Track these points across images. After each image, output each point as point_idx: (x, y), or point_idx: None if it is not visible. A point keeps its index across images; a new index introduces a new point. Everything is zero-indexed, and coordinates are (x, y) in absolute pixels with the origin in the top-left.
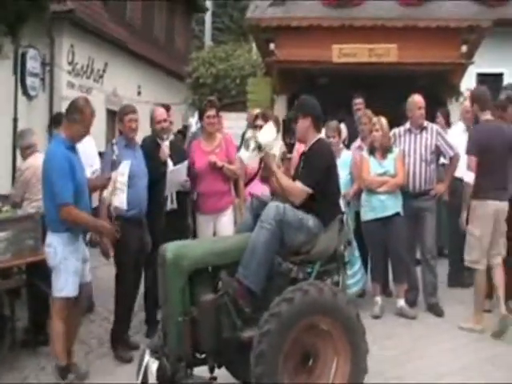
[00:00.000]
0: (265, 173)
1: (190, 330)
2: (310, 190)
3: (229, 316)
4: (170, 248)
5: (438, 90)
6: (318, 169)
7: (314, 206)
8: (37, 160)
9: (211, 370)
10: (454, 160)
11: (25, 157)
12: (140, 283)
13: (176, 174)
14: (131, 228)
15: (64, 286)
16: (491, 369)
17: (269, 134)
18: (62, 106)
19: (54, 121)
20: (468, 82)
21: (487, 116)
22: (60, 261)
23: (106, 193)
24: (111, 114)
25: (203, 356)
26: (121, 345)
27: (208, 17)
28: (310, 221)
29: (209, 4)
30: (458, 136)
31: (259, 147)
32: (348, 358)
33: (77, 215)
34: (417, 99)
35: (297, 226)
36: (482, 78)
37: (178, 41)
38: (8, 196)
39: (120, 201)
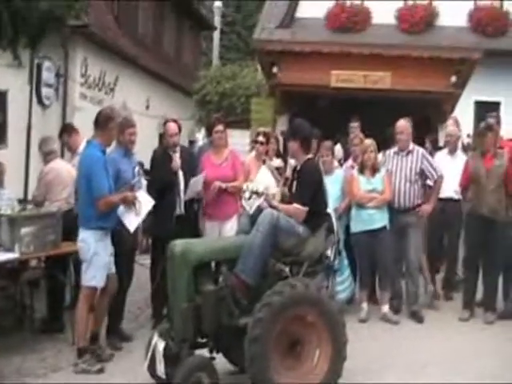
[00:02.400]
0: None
1: (194, 316)
2: (307, 208)
3: (227, 305)
4: (178, 244)
5: (430, 116)
6: (309, 188)
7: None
8: (57, 164)
9: (211, 352)
10: (437, 182)
11: (46, 161)
12: (132, 278)
13: (195, 184)
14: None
15: (93, 277)
16: (467, 359)
17: (263, 178)
18: (75, 116)
19: (64, 130)
20: (466, 110)
21: None
22: (92, 255)
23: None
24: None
25: (204, 340)
26: (115, 335)
27: (216, 34)
28: (300, 227)
29: (217, 21)
30: (442, 159)
31: (257, 193)
32: (329, 347)
33: (111, 201)
34: (400, 124)
35: (288, 231)
36: (480, 105)
37: (186, 57)
38: (32, 197)
39: (131, 223)
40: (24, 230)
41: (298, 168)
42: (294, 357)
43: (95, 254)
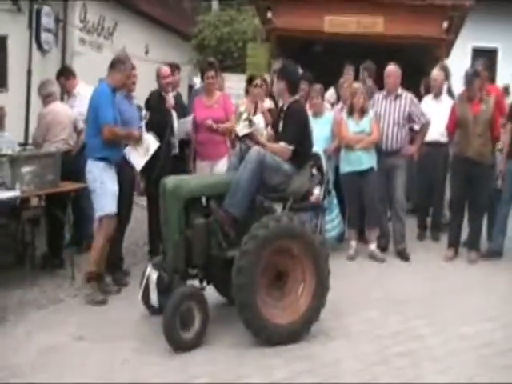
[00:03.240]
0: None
1: (184, 247)
2: (292, 147)
3: (216, 238)
4: (170, 180)
5: (423, 61)
6: (296, 127)
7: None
8: (56, 106)
9: (201, 282)
10: (424, 126)
11: (46, 103)
12: (130, 217)
13: (183, 124)
14: (127, 169)
15: (104, 205)
16: (448, 295)
17: (259, 120)
18: (74, 61)
19: (61, 73)
20: (463, 57)
21: None
22: (99, 185)
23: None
24: None
25: (195, 272)
26: (118, 271)
27: None
28: (286, 165)
29: None
30: (428, 104)
31: (250, 121)
32: (313, 278)
33: (116, 130)
34: (388, 69)
35: (274, 168)
36: (477, 52)
37: (186, 2)
38: (31, 138)
39: (138, 163)
40: (24, 169)
41: (285, 108)
42: (279, 288)
43: (102, 183)
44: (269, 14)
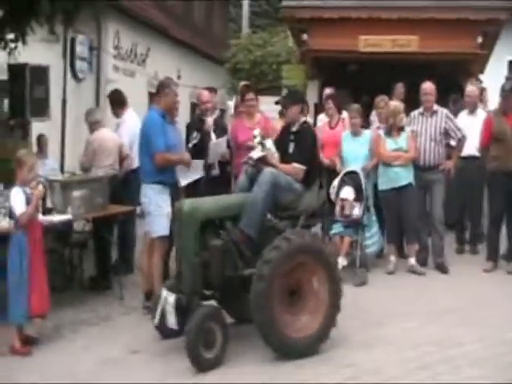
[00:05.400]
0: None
1: (202, 269)
2: (305, 167)
3: (232, 258)
4: (186, 203)
5: (458, 77)
6: (307, 148)
7: None
8: (102, 133)
9: (218, 303)
10: (461, 141)
11: (92, 130)
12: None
13: (218, 145)
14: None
15: (160, 227)
16: (486, 306)
17: (270, 143)
18: (108, 88)
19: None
20: (499, 70)
21: None
22: (155, 207)
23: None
24: (152, 96)
25: (209, 292)
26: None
27: (245, 1)
28: (297, 184)
29: None
30: (463, 119)
31: (262, 144)
32: (326, 286)
33: (168, 157)
34: (425, 86)
35: (286, 187)
36: None
37: (216, 26)
38: (79, 164)
39: (183, 179)
40: (75, 194)
41: (295, 130)
42: (295, 302)
43: (157, 206)
44: (304, 36)
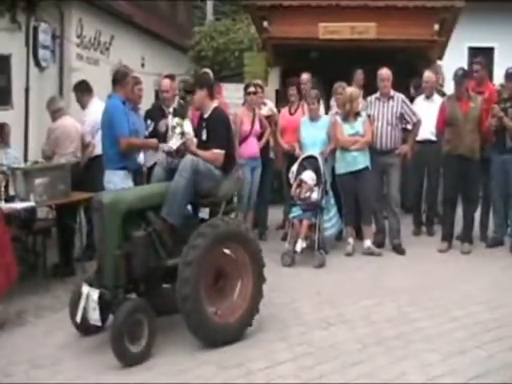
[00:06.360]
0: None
1: (124, 262)
2: (223, 151)
3: (155, 249)
4: (105, 195)
5: (416, 63)
6: (223, 132)
7: None
8: (65, 121)
9: (139, 295)
10: (416, 125)
11: (54, 119)
12: None
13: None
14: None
15: None
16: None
17: (189, 127)
18: (72, 77)
19: (77, 86)
20: (459, 56)
21: None
22: None
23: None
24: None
25: (132, 285)
26: None
27: None
28: (216, 170)
29: None
30: (420, 104)
31: (182, 134)
32: (251, 272)
33: (132, 141)
34: (381, 72)
35: (206, 174)
36: (474, 51)
37: (180, 13)
38: (41, 152)
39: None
40: (37, 181)
41: (207, 116)
42: (220, 289)
43: None
44: (264, 24)
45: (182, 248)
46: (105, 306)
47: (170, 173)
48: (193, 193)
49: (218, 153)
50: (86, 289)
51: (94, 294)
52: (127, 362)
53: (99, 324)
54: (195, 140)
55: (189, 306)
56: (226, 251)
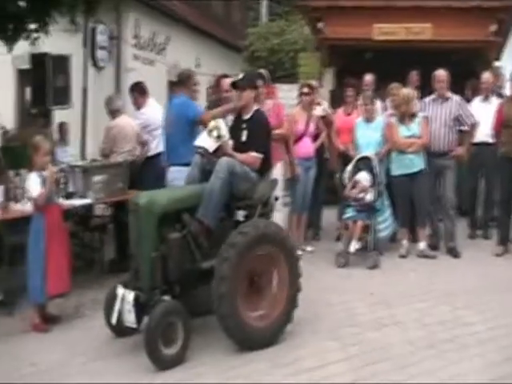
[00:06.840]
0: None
1: (160, 264)
2: (261, 156)
3: (191, 251)
4: (142, 196)
5: (473, 64)
6: (263, 136)
7: None
8: (122, 120)
9: (174, 297)
10: (472, 127)
11: (113, 117)
12: None
13: None
14: None
15: None
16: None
17: (225, 128)
18: (128, 77)
19: (134, 87)
20: None
21: None
22: None
23: None
24: (172, 85)
25: (166, 287)
26: None
27: None
28: (252, 173)
29: None
30: (477, 105)
31: (219, 137)
32: (287, 277)
33: (213, 112)
34: (437, 74)
35: (243, 176)
36: None
37: (234, 15)
38: (99, 150)
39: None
40: (95, 179)
41: (248, 117)
42: (255, 292)
43: None
44: (319, 25)
45: (217, 250)
46: (140, 308)
47: (205, 174)
48: (228, 195)
49: (256, 156)
50: (121, 291)
51: (130, 296)
52: (161, 365)
53: (134, 326)
54: (231, 142)
55: (225, 305)
56: (262, 252)
